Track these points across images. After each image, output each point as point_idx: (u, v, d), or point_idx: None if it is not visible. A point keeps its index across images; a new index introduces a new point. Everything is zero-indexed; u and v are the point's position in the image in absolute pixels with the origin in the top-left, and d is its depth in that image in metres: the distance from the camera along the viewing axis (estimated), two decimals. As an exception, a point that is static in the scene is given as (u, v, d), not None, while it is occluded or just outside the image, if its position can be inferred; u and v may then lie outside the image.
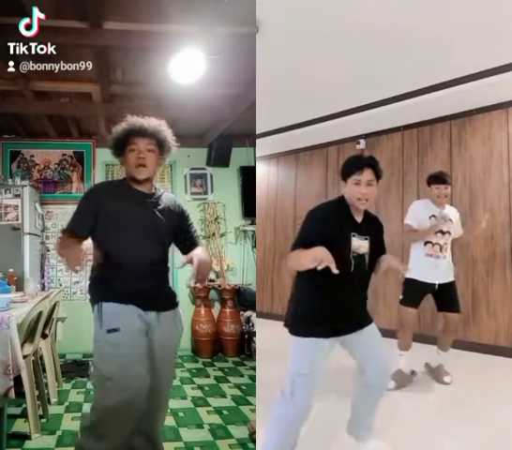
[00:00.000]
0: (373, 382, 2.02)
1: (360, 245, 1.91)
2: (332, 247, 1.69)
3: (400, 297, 3.20)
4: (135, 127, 1.90)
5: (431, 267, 3.12)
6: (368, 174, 1.89)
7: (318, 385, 1.87)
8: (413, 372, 3.21)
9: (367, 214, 2.02)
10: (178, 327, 1.99)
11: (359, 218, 1.97)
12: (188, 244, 2.03)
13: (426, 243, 3.13)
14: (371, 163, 1.92)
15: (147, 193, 1.96)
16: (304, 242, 1.76)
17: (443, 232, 3.14)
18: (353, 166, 1.92)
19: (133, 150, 1.88)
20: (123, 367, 1.74)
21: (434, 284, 3.13)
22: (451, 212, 3.26)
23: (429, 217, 3.14)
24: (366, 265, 1.95)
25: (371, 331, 2.01)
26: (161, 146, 1.94)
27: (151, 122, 1.92)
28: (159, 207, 1.95)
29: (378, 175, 1.92)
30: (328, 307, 1.90)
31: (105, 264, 1.88)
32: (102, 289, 1.87)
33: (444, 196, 3.18)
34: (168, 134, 1.95)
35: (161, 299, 1.93)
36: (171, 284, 2.06)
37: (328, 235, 1.78)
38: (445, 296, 3.18)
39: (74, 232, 1.86)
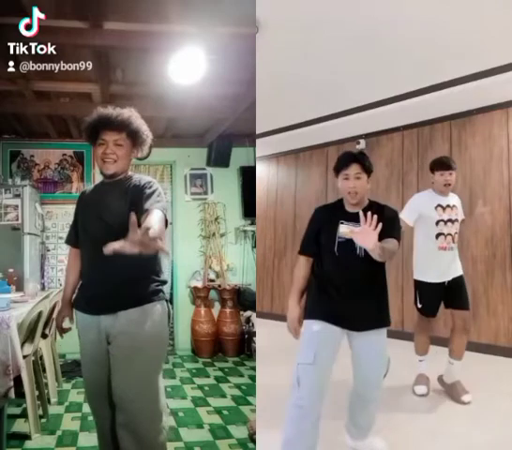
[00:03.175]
0: (361, 391, 2.04)
1: (352, 230, 1.92)
2: (323, 236, 2.02)
3: (419, 306, 2.99)
4: (103, 120, 1.81)
5: (447, 262, 2.91)
6: (355, 168, 1.98)
7: (326, 376, 1.88)
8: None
9: (370, 206, 2.04)
10: (148, 326, 1.75)
11: (355, 209, 2.02)
12: (141, 213, 1.66)
13: (438, 235, 2.91)
14: (358, 158, 2.00)
15: (108, 182, 1.89)
16: (303, 250, 2.11)
17: (452, 221, 2.94)
18: (341, 161, 2.03)
19: (101, 144, 1.81)
20: (84, 366, 1.92)
21: (444, 282, 2.92)
22: (454, 198, 3.07)
23: (435, 208, 2.94)
24: (358, 248, 1.94)
25: (376, 340, 2.00)
26: (133, 138, 1.85)
27: (121, 114, 1.82)
28: (115, 192, 1.82)
29: (367, 169, 2.00)
30: (325, 289, 2.00)
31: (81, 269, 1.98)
32: (75, 295, 1.98)
33: (449, 184, 2.95)
34: (140, 125, 1.85)
35: (113, 299, 1.77)
36: (142, 280, 1.80)
37: (319, 230, 2.05)
38: (454, 292, 2.93)
39: (68, 242, 2.08)
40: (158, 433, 1.78)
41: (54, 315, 2.31)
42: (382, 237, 1.92)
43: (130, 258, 1.69)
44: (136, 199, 1.76)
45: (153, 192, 1.77)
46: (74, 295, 2.01)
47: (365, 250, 1.90)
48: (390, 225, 1.97)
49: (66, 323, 2.05)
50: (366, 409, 2.07)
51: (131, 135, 1.84)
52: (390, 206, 2.09)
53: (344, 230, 1.94)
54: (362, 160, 2.00)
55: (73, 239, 2.03)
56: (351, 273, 1.97)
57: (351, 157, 2.01)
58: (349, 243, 1.94)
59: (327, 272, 2.02)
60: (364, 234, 1.76)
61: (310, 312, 2.00)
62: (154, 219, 1.59)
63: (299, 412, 1.85)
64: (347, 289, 1.97)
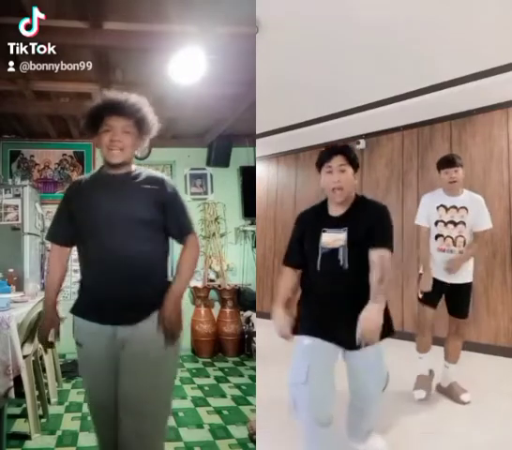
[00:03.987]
0: (358, 405, 1.95)
1: (335, 238, 1.77)
2: (306, 245, 1.87)
3: (420, 296, 2.90)
4: (110, 105, 1.67)
5: (444, 263, 2.82)
6: (338, 160, 1.83)
7: (324, 395, 1.72)
8: (430, 372, 3.01)
9: (356, 204, 1.87)
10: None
11: (339, 212, 1.86)
12: (176, 233, 1.75)
13: (437, 236, 2.86)
14: (342, 149, 1.85)
15: (117, 174, 1.71)
16: (287, 260, 1.95)
17: (454, 223, 2.83)
18: (324, 154, 1.88)
19: (107, 131, 1.66)
20: (87, 378, 1.77)
21: (447, 283, 2.84)
22: (467, 199, 2.88)
23: (437, 208, 2.86)
24: (342, 260, 1.77)
25: (371, 356, 1.84)
26: (140, 126, 1.70)
27: (129, 99, 1.69)
28: (130, 187, 1.69)
29: (352, 162, 1.84)
30: (312, 303, 1.87)
31: (81, 270, 1.74)
32: (76, 300, 1.76)
33: (454, 181, 2.82)
34: (148, 112, 1.73)
35: (133, 308, 1.62)
36: (158, 281, 1.70)
37: (302, 238, 1.90)
38: (456, 298, 2.88)
39: (53, 239, 1.83)
40: (163, 436, 1.75)
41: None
42: (370, 244, 1.75)
43: (146, 257, 1.64)
44: (168, 207, 1.70)
45: (184, 205, 1.76)
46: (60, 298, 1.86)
47: (349, 262, 1.76)
48: (379, 230, 1.79)
49: (51, 337, 1.81)
50: (365, 419, 2.00)
51: (139, 122, 1.70)
52: (378, 203, 1.90)
53: (327, 239, 1.78)
54: (346, 152, 1.84)
55: (62, 236, 1.79)
56: (335, 286, 1.78)
57: (334, 149, 1.86)
58: (333, 254, 1.78)
59: (312, 284, 1.86)
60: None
61: (301, 327, 1.85)
62: (189, 268, 1.75)
63: (305, 435, 1.74)
64: (333, 303, 1.79)
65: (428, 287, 2.83)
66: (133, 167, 1.76)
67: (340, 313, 1.78)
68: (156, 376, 1.64)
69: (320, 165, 1.88)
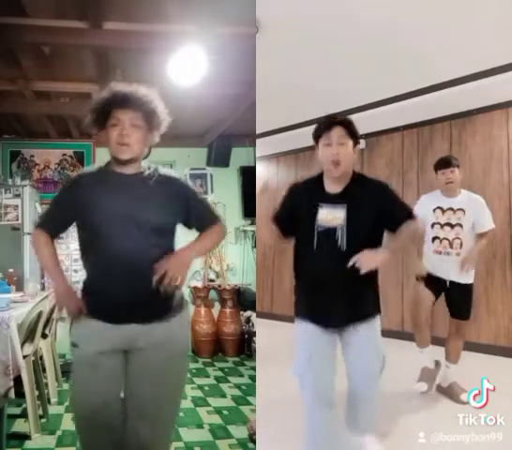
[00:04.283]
0: (357, 390, 1.93)
1: (333, 216, 1.71)
2: (299, 223, 1.79)
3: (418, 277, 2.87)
4: (118, 97, 1.58)
5: (442, 265, 2.82)
6: (338, 131, 1.72)
7: (326, 371, 1.76)
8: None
9: (354, 181, 1.79)
10: (183, 335, 1.70)
11: (336, 189, 1.77)
12: (202, 227, 1.72)
13: (433, 239, 2.85)
14: (341, 121, 1.75)
15: (130, 174, 1.64)
16: (275, 219, 1.90)
17: (451, 225, 2.82)
18: (322, 125, 1.76)
19: (115, 125, 1.57)
20: (81, 381, 1.62)
21: (446, 281, 2.84)
22: (465, 200, 2.86)
23: (434, 210, 2.85)
24: (340, 240, 1.71)
25: (366, 333, 1.82)
26: (150, 119, 1.60)
27: (138, 90, 1.59)
28: (145, 190, 1.62)
29: (352, 135, 1.75)
30: (306, 286, 1.85)
31: (85, 268, 1.66)
32: (80, 297, 1.66)
33: (450, 181, 2.82)
34: (158, 105, 1.62)
35: (144, 309, 1.57)
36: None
37: (295, 211, 1.83)
38: (457, 300, 2.88)
39: (48, 229, 1.69)
40: (172, 438, 1.76)
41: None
42: (392, 222, 1.74)
43: (156, 261, 1.55)
44: (187, 206, 1.68)
45: (204, 200, 1.77)
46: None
47: (347, 242, 1.70)
48: (396, 208, 1.76)
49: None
50: (361, 409, 1.97)
51: (148, 115, 1.60)
52: (380, 181, 1.83)
53: (323, 216, 1.70)
54: (346, 124, 1.74)
55: (56, 228, 1.70)
56: (332, 268, 1.72)
57: (332, 120, 1.74)
58: (329, 233, 1.71)
59: (307, 266, 1.82)
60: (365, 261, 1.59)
61: (298, 311, 1.84)
62: (206, 245, 1.74)
63: (309, 418, 1.76)
64: (329, 286, 1.75)
65: (422, 271, 2.81)
66: (143, 165, 1.69)
67: (337, 297, 1.75)
68: (169, 377, 1.62)
69: (317, 137, 1.77)
